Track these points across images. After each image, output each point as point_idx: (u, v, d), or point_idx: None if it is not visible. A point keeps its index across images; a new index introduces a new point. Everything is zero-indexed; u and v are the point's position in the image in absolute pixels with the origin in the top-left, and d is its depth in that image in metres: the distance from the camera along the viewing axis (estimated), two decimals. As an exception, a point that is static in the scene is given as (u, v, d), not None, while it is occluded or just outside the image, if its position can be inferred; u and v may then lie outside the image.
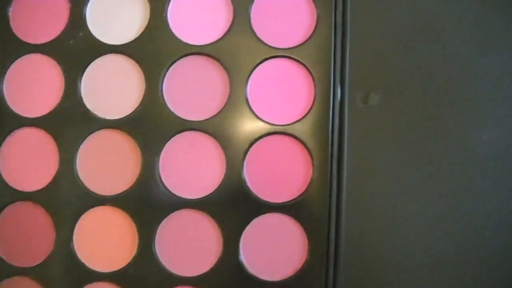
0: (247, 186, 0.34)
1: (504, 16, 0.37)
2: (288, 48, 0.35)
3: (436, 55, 0.36)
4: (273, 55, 0.35)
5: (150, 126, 0.35)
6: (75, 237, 0.35)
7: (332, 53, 0.35)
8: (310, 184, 0.34)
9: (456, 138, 0.36)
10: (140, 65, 0.36)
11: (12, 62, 0.36)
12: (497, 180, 0.35)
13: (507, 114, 0.36)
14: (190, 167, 0.35)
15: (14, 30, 0.37)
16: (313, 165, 0.34)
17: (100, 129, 0.35)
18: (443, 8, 0.37)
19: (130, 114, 0.35)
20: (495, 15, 0.37)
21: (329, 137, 0.34)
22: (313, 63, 0.35)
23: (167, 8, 0.36)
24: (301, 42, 0.35)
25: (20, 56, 0.36)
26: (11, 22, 0.37)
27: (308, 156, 0.34)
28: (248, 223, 0.34)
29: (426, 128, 0.36)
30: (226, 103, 0.35)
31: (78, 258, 0.34)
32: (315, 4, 0.35)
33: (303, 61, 0.35)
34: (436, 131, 0.36)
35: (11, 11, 0.37)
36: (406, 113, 0.36)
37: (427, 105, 0.36)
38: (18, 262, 0.35)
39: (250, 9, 0.35)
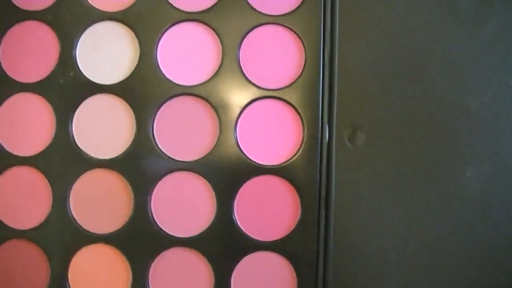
0: (237, 226, 0.35)
1: (486, 57, 0.38)
2: (277, 89, 0.36)
3: (419, 95, 0.37)
4: (261, 95, 0.36)
5: (142, 165, 0.36)
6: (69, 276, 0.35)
7: (319, 94, 0.36)
8: (298, 223, 0.35)
9: (440, 175, 0.37)
10: (130, 105, 0.36)
11: (3, 100, 0.37)
12: (480, 215, 0.37)
13: (490, 152, 0.37)
14: (181, 206, 0.35)
15: (5, 69, 0.37)
16: (301, 204, 0.35)
17: (92, 168, 0.36)
18: (426, 49, 0.37)
19: (122, 154, 0.36)
20: (477, 57, 0.38)
21: (317, 176, 0.35)
22: (301, 104, 0.35)
23: (157, 48, 0.36)
24: (289, 83, 0.36)
25: (11, 95, 0.37)
26: (1, 60, 0.37)
27: (296, 196, 0.35)
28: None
29: (411, 166, 0.37)
30: (216, 144, 0.35)
31: None
32: (303, 46, 0.36)
33: (291, 102, 0.35)
34: (421, 169, 0.37)
35: (1, 49, 0.37)
36: (390, 151, 0.37)
37: (411, 144, 0.37)
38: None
39: (239, 50, 0.36)
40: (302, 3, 0.36)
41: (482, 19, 0.38)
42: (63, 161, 0.36)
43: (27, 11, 0.37)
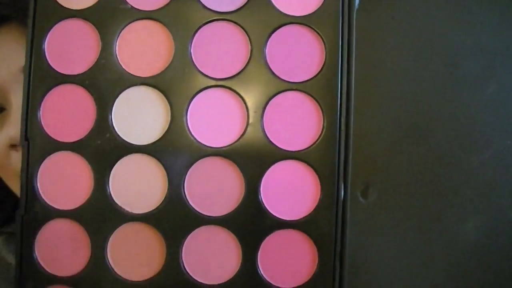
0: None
1: (487, 118, 0.41)
2: (296, 151, 0.39)
3: (425, 154, 0.41)
4: (283, 157, 0.39)
5: (174, 220, 0.39)
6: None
7: (336, 155, 0.39)
8: (314, 275, 0.39)
9: (444, 227, 0.41)
10: (162, 164, 0.39)
11: (45, 158, 0.40)
12: (480, 264, 0.41)
13: (490, 205, 0.41)
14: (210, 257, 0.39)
15: (45, 129, 0.40)
16: (319, 258, 0.39)
17: (127, 222, 0.39)
18: (432, 112, 0.41)
19: (155, 209, 0.39)
20: (479, 118, 0.41)
21: (333, 232, 0.39)
22: (320, 165, 0.39)
23: (187, 112, 0.39)
24: (310, 145, 0.39)
25: (52, 153, 0.40)
26: (42, 121, 0.40)
27: (315, 249, 0.39)
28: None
29: (418, 219, 0.41)
30: (241, 201, 0.39)
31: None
32: (322, 111, 0.39)
33: (311, 163, 0.39)
34: (427, 222, 0.41)
35: (41, 111, 0.40)
36: (399, 205, 0.40)
37: (418, 198, 0.41)
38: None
39: (263, 115, 0.39)
40: (321, 70, 0.39)
41: (484, 82, 0.41)
42: (100, 215, 0.39)
43: (66, 75, 0.40)
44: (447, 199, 0.41)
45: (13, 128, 0.45)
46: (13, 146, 0.46)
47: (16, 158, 0.45)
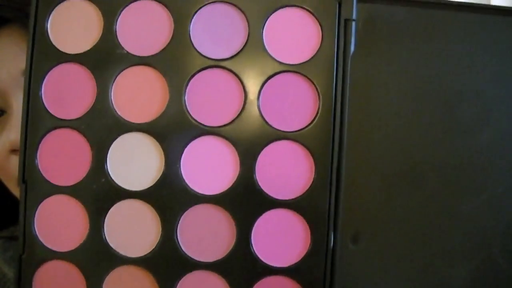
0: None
1: (480, 164, 0.41)
2: (288, 199, 0.40)
3: (417, 200, 0.41)
4: (274, 205, 0.40)
5: (167, 264, 0.40)
6: None
7: (327, 204, 0.40)
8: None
9: (433, 273, 0.41)
10: (156, 210, 0.40)
11: (42, 201, 0.41)
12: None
13: (480, 251, 0.42)
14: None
15: (42, 172, 0.40)
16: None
17: (122, 265, 0.40)
18: (426, 157, 0.41)
19: (149, 253, 0.40)
20: (472, 163, 0.41)
21: (323, 278, 0.40)
22: (310, 212, 0.40)
23: (180, 159, 0.40)
24: (301, 193, 0.40)
25: (48, 196, 0.41)
26: (39, 165, 0.41)
27: (304, 296, 0.40)
28: None
29: (408, 265, 0.41)
30: (233, 249, 0.40)
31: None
32: (314, 161, 0.39)
33: (302, 213, 0.39)
34: (417, 267, 0.41)
35: (38, 154, 0.41)
36: (390, 252, 0.41)
37: (408, 244, 0.41)
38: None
39: (255, 164, 0.40)
40: (314, 119, 0.40)
41: (479, 128, 0.42)
42: (95, 258, 0.40)
43: (62, 119, 0.40)
44: (437, 245, 0.41)
45: (14, 132, 0.46)
46: (13, 150, 0.47)
47: (16, 162, 0.45)
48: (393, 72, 0.41)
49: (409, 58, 0.41)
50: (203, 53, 0.40)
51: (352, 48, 0.40)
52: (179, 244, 0.40)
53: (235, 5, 0.40)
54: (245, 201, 0.40)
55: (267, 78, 0.40)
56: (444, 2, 0.41)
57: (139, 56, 0.40)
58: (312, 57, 0.40)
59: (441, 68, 0.42)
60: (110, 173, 0.40)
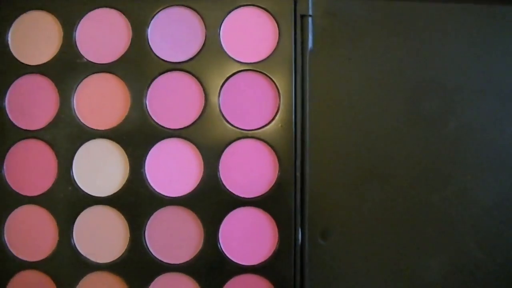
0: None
1: (447, 155, 0.41)
2: (255, 197, 0.40)
3: (385, 194, 0.41)
4: (240, 204, 0.40)
5: (137, 268, 0.40)
6: None
7: (293, 200, 0.40)
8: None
9: (405, 267, 0.41)
10: (123, 215, 0.40)
11: (10, 212, 0.41)
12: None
13: (451, 243, 0.41)
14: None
15: (10, 184, 0.41)
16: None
17: (92, 271, 0.41)
18: (392, 151, 0.41)
19: (119, 258, 0.40)
20: (439, 155, 0.41)
21: (293, 275, 0.40)
22: (277, 210, 0.40)
23: (144, 163, 0.40)
24: (266, 191, 0.40)
25: (16, 207, 0.41)
26: (6, 176, 0.41)
27: (273, 292, 0.40)
28: None
29: (379, 260, 0.41)
30: (201, 249, 0.40)
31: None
32: (278, 159, 0.40)
33: (268, 210, 0.40)
34: (388, 262, 0.41)
35: (5, 166, 0.41)
36: (361, 247, 0.41)
37: (378, 239, 0.41)
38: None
39: (219, 164, 0.40)
40: (275, 116, 0.40)
41: (444, 119, 0.41)
42: (66, 265, 0.41)
43: (27, 130, 0.41)
44: (408, 238, 0.41)
45: None
46: None
47: None
48: (354, 67, 0.41)
49: (371, 52, 0.41)
50: (162, 57, 0.40)
51: (310, 44, 0.41)
52: (148, 248, 0.40)
53: (191, 8, 0.40)
54: (211, 201, 0.40)
55: (227, 78, 0.40)
56: (399, -7, 0.41)
57: (99, 64, 0.41)
58: (270, 55, 0.40)
59: (403, 61, 0.42)
60: (76, 181, 0.41)
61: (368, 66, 0.42)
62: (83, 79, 0.41)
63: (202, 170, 0.40)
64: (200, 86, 0.40)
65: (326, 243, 0.41)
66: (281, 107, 0.40)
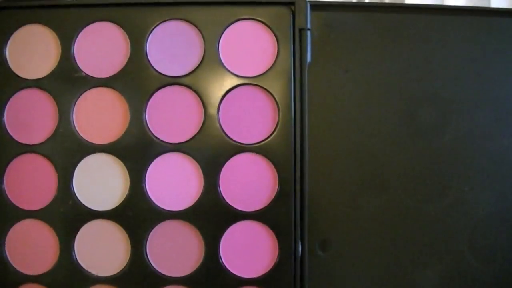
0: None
1: (443, 166, 0.42)
2: (255, 211, 0.40)
3: (383, 205, 0.42)
4: (240, 217, 0.40)
5: (138, 281, 0.41)
6: None
7: (292, 212, 0.40)
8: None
9: (402, 276, 0.42)
10: (124, 228, 0.40)
11: (11, 226, 0.41)
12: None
13: (449, 251, 0.42)
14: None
15: (10, 198, 0.41)
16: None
17: (93, 285, 0.41)
18: (389, 163, 0.42)
19: (119, 272, 0.41)
20: (436, 166, 0.42)
21: (292, 285, 0.40)
22: (276, 223, 0.40)
23: (144, 177, 0.40)
24: (265, 205, 0.40)
25: (17, 221, 0.41)
26: (6, 190, 0.41)
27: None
28: None
29: (377, 270, 0.42)
30: (201, 262, 0.40)
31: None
32: (277, 172, 0.40)
33: (267, 223, 0.40)
34: (386, 272, 0.42)
35: (5, 180, 0.41)
36: (359, 257, 0.41)
37: (376, 249, 0.42)
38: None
39: (218, 178, 0.40)
40: (275, 130, 0.40)
41: (440, 131, 0.42)
42: (67, 279, 0.41)
43: (26, 144, 0.41)
44: (405, 248, 0.42)
45: None
46: None
47: None
48: (352, 79, 0.42)
49: (368, 64, 0.42)
50: (161, 71, 0.40)
51: (309, 57, 0.41)
52: (149, 261, 0.41)
53: (189, 22, 0.40)
54: (211, 215, 0.40)
55: (226, 92, 0.40)
56: (396, 4, 0.42)
57: (97, 78, 0.41)
58: (269, 69, 0.40)
59: (400, 72, 0.42)
60: (76, 195, 0.41)
61: (365, 77, 0.42)
62: (81, 93, 0.41)
63: (202, 184, 0.40)
64: (199, 100, 0.40)
65: (325, 255, 0.41)
66: (280, 120, 0.40)
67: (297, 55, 0.40)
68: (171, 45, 0.40)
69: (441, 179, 0.42)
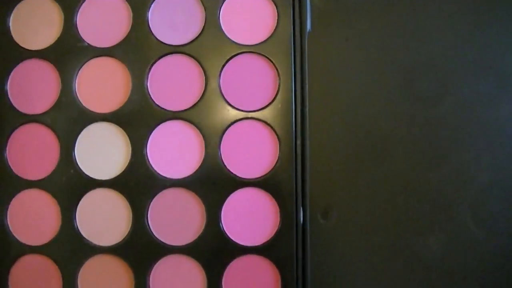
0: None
1: (442, 134, 0.42)
2: (254, 178, 0.40)
3: (383, 173, 0.41)
4: (241, 185, 0.40)
5: (139, 250, 0.40)
6: None
7: (293, 181, 0.40)
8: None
9: (405, 244, 0.41)
10: (126, 197, 0.40)
11: (12, 197, 0.41)
12: (442, 281, 0.41)
13: (450, 219, 0.42)
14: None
15: (12, 168, 0.41)
16: (281, 281, 0.40)
17: (95, 254, 0.41)
18: (388, 131, 0.41)
19: (121, 241, 0.40)
20: (435, 134, 0.42)
21: (294, 254, 0.40)
22: (278, 190, 0.40)
23: (146, 145, 0.40)
24: (267, 172, 0.40)
25: (19, 191, 0.41)
26: (8, 160, 0.41)
27: (277, 273, 0.40)
28: None
29: (379, 238, 0.41)
30: (203, 230, 0.40)
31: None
32: (278, 139, 0.40)
33: (269, 191, 0.40)
34: (388, 240, 0.41)
35: (7, 150, 0.41)
36: (361, 225, 0.41)
37: (378, 217, 0.41)
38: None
39: (220, 145, 0.40)
40: (275, 97, 0.40)
41: (439, 99, 0.42)
42: (69, 248, 0.41)
43: (29, 114, 0.41)
44: (407, 216, 0.42)
45: None
46: None
47: None
48: (351, 47, 0.42)
49: (367, 32, 0.42)
50: (162, 40, 0.41)
51: (309, 25, 0.41)
52: (151, 230, 0.40)
53: (190, -9, 0.41)
54: (213, 183, 0.40)
55: (226, 60, 0.40)
56: (397, -26, 0.42)
57: (100, 48, 0.41)
58: (269, 37, 0.40)
59: (399, 41, 0.42)
60: (78, 164, 0.41)
61: (365, 46, 0.42)
62: (84, 63, 0.41)
63: (203, 151, 0.40)
64: (201, 69, 0.40)
65: (326, 222, 0.41)
66: (281, 88, 0.40)
67: (297, 23, 0.41)
68: (173, 14, 0.41)
69: (441, 147, 0.42)
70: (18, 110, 0.41)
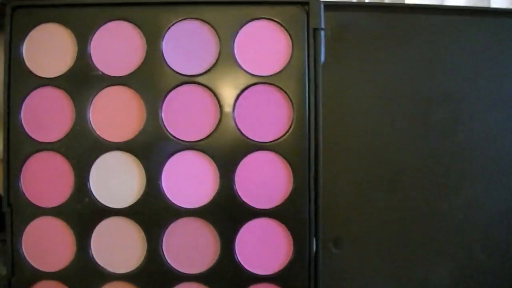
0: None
1: (456, 165, 0.42)
2: (270, 208, 0.40)
3: (395, 204, 0.42)
4: (255, 215, 0.40)
5: (154, 277, 0.41)
6: None
7: (307, 210, 0.41)
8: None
9: (415, 274, 0.43)
10: (140, 226, 0.41)
11: (28, 224, 0.41)
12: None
13: (461, 250, 0.43)
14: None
15: (27, 195, 0.41)
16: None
17: (109, 281, 0.41)
18: (401, 161, 0.42)
19: (136, 268, 0.41)
20: (448, 165, 0.42)
21: (307, 283, 0.41)
22: (291, 221, 0.40)
23: (160, 175, 0.41)
24: (280, 202, 0.41)
25: (33, 219, 0.41)
26: (23, 188, 0.41)
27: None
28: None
29: (390, 267, 0.42)
30: (217, 259, 0.41)
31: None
32: (292, 171, 0.40)
33: (282, 221, 0.40)
34: (399, 270, 0.42)
35: (22, 178, 0.41)
36: (372, 254, 0.42)
37: (389, 246, 0.42)
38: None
39: (234, 175, 0.40)
40: (289, 129, 0.40)
41: (453, 130, 0.42)
42: (84, 276, 0.41)
43: (43, 142, 0.41)
44: (418, 246, 0.42)
45: None
46: None
47: None
48: (365, 79, 0.42)
49: (380, 64, 0.42)
50: (177, 70, 0.41)
51: (322, 57, 0.41)
52: (165, 258, 0.41)
53: (204, 21, 0.41)
54: (227, 213, 0.41)
55: (241, 91, 0.41)
56: (410, 5, 0.42)
57: (114, 77, 0.41)
58: (284, 68, 0.41)
59: (412, 72, 0.42)
60: (93, 192, 0.41)
61: (378, 77, 0.42)
62: (98, 91, 0.41)
63: (218, 181, 0.41)
64: (215, 99, 0.41)
65: (339, 252, 0.42)
66: (295, 119, 0.41)
67: (311, 55, 0.41)
68: (187, 44, 0.41)
69: (454, 178, 0.42)
70: (32, 138, 0.41)
